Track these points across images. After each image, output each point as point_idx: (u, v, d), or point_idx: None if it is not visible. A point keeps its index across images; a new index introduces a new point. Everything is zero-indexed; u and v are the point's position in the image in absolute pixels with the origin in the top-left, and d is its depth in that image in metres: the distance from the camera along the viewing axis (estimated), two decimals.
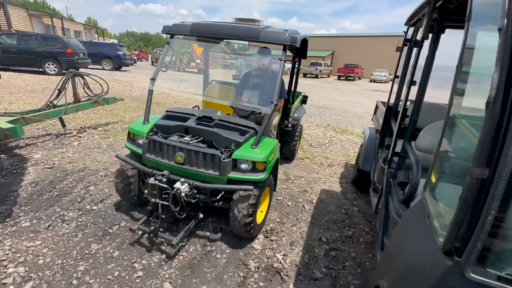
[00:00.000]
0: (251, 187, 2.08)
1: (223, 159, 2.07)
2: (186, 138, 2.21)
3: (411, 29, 2.52)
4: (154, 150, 2.24)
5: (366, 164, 3.28)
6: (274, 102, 2.32)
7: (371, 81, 27.01)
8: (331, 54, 36.62)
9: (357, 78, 27.53)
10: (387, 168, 1.98)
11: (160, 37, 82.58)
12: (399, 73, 2.66)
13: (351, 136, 6.28)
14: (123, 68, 17.41)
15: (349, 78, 26.76)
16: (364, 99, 13.55)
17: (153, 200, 2.04)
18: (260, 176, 2.11)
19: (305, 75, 26.00)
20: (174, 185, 2.01)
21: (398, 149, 1.93)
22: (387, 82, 26.44)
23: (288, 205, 3.10)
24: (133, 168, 2.34)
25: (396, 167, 1.96)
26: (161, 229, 2.15)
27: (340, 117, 8.33)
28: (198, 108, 3.34)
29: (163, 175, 2.07)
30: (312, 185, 3.65)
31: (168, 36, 2.71)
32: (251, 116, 3.04)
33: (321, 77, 27.40)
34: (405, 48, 2.51)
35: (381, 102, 3.88)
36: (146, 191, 2.38)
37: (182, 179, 2.07)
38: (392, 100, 2.78)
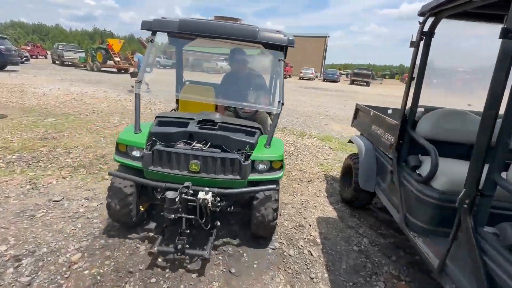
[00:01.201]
0: (275, 185, 2.09)
1: (243, 162, 2.02)
2: (198, 145, 2.07)
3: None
4: (160, 161, 2.03)
5: (369, 184, 2.74)
6: (282, 102, 2.30)
7: (300, 78, 28.55)
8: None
9: (288, 76, 28.69)
10: (470, 215, 1.36)
11: (61, 29, 69.12)
12: (413, 73, 2.16)
13: (313, 140, 5.88)
14: (8, 68, 13.27)
15: None
16: (303, 97, 13.80)
17: (173, 216, 1.88)
18: (279, 174, 2.16)
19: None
20: (198, 196, 1.89)
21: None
22: (314, 79, 28.47)
23: (290, 255, 2.27)
24: (131, 185, 2.10)
25: (479, 211, 1.37)
26: (187, 245, 1.95)
27: (292, 118, 7.96)
28: (175, 111, 3.17)
29: (186, 187, 1.91)
30: (304, 214, 2.92)
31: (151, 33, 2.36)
32: (246, 116, 2.99)
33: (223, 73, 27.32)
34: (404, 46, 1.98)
35: (365, 105, 3.44)
36: (142, 208, 2.30)
37: (206, 188, 1.94)
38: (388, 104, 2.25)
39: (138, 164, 2.05)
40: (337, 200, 3.32)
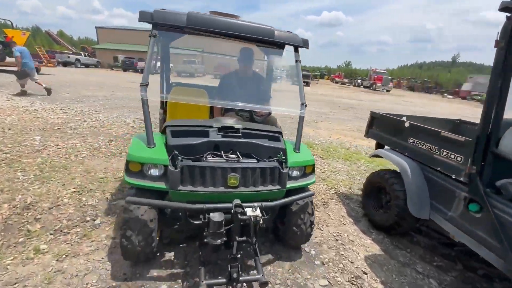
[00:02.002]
0: (313, 192, 2.05)
1: (282, 170, 1.89)
2: (232, 156, 1.88)
3: None
4: (191, 179, 1.74)
5: (423, 210, 2.29)
6: (305, 104, 2.24)
7: None
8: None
9: None
10: None
11: None
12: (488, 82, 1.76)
13: None
14: None
15: None
16: None
17: (219, 241, 1.62)
18: (312, 179, 2.12)
19: (143, 72, 23.54)
20: (248, 214, 1.65)
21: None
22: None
23: None
24: (151, 210, 1.75)
25: None
26: (240, 272, 1.68)
27: None
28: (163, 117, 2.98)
29: (239, 206, 1.66)
30: (349, 257, 2.30)
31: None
32: (260, 120, 2.78)
33: (197, 76, 25.95)
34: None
35: (383, 113, 3.03)
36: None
37: (256, 204, 1.73)
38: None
39: (160, 185, 1.74)
40: (366, 226, 2.82)
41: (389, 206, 2.67)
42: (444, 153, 2.15)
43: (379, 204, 2.85)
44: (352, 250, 2.41)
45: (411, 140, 2.53)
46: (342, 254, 2.33)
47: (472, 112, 16.74)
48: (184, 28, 2.09)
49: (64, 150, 3.92)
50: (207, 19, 2.05)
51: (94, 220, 2.42)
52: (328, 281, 2.00)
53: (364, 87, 34.68)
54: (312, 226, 2.15)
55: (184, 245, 2.21)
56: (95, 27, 38.38)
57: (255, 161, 1.90)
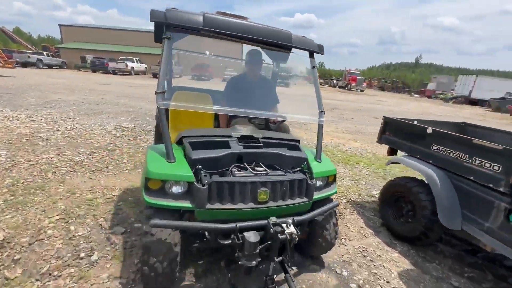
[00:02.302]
0: (338, 202, 2.01)
1: (310, 181, 1.82)
2: (259, 168, 1.76)
3: None
4: (218, 196, 1.61)
5: (455, 221, 2.19)
6: (323, 111, 2.21)
7: (223, 80, 27.82)
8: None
9: None
10: None
11: None
12: None
13: None
14: None
15: (203, 78, 26.16)
16: None
17: (254, 263, 1.53)
18: (335, 188, 2.08)
19: (115, 73, 22.94)
20: (286, 231, 1.55)
21: None
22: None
23: None
24: (174, 231, 1.58)
25: None
26: None
27: None
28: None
29: (278, 225, 1.57)
30: (382, 275, 2.14)
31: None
32: (275, 128, 2.66)
33: (174, 77, 25.08)
34: None
35: (399, 119, 2.93)
36: None
37: (289, 220, 1.63)
38: None
39: (185, 203, 1.59)
40: (388, 237, 2.70)
41: (412, 215, 2.57)
42: (477, 162, 2.07)
43: (398, 213, 2.75)
44: (383, 266, 2.26)
45: (435, 147, 2.44)
46: (375, 273, 2.17)
47: (440, 111, 17.89)
48: (201, 30, 1.93)
49: (38, 167, 3.37)
50: (225, 21, 1.94)
51: (90, 255, 2.01)
52: None
53: (339, 87, 35.77)
54: (337, 237, 2.09)
55: (201, 262, 2.02)
56: (59, 25, 35.42)
57: (282, 173, 1.81)
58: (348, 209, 3.19)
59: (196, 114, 2.56)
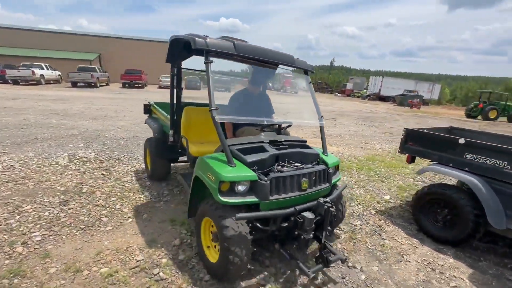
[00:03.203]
0: (346, 184, 3.17)
1: (329, 171, 2.34)
2: (297, 164, 2.20)
3: None
4: (276, 188, 2.01)
5: (502, 222, 2.46)
6: (323, 116, 2.82)
7: (160, 87, 25.64)
8: (98, 57, 29.95)
9: (144, 85, 24.93)
10: None
11: None
12: None
13: None
14: None
15: (136, 85, 23.50)
16: None
17: (311, 235, 2.01)
18: (340, 175, 2.67)
19: (16, 83, 18.47)
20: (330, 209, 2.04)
21: None
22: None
23: None
24: (245, 223, 1.91)
25: None
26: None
27: None
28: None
29: (329, 202, 2.07)
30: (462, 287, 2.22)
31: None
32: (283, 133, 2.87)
33: (100, 85, 21.83)
34: None
35: (425, 131, 3.15)
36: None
37: (329, 199, 2.14)
38: None
39: (251, 199, 1.92)
40: (433, 244, 2.85)
41: (450, 220, 2.80)
42: None
43: (434, 218, 2.95)
44: (454, 276, 2.37)
45: (469, 156, 2.70)
46: (455, 286, 2.24)
47: (365, 107, 20.80)
48: (234, 56, 2.33)
49: None
50: (250, 47, 2.39)
51: None
52: None
53: (275, 90, 37.73)
54: (345, 211, 2.70)
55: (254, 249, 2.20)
56: None
57: (311, 166, 2.25)
58: (382, 221, 3.26)
59: (204, 126, 3.03)
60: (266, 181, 1.91)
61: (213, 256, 2.08)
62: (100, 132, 6.42)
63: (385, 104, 27.56)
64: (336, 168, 2.61)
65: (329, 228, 2.15)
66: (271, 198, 1.94)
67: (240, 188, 1.91)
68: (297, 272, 2.23)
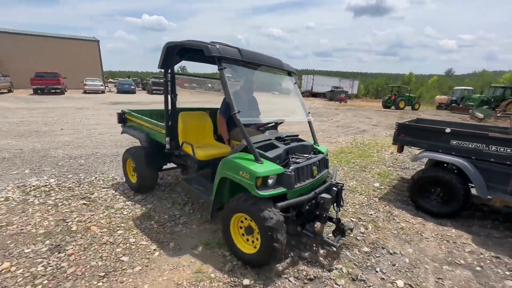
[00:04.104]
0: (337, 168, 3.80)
1: (327, 158, 2.82)
2: (306, 155, 2.59)
3: None
4: (298, 177, 2.30)
5: (486, 192, 3.06)
6: (309, 112, 3.16)
7: (85, 92, 22.07)
8: None
9: (64, 90, 21.01)
10: None
11: None
12: None
13: None
14: None
15: (54, 91, 19.61)
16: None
17: (329, 212, 2.42)
18: (329, 161, 2.99)
19: None
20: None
21: None
22: (105, 92, 23.40)
23: None
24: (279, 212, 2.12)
25: None
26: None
27: None
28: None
29: (340, 183, 2.66)
30: (476, 252, 2.70)
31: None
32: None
33: (1, 93, 17.51)
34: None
35: (415, 124, 3.63)
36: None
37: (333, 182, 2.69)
38: None
39: (281, 190, 2.15)
40: (434, 219, 3.35)
41: (443, 196, 3.34)
42: (494, 148, 3.00)
43: (430, 198, 3.47)
44: (464, 243, 2.84)
45: (454, 142, 3.27)
46: (470, 251, 2.70)
47: (309, 103, 22.56)
48: (239, 61, 2.57)
49: None
50: (252, 53, 2.67)
51: None
52: None
53: (215, 90, 37.28)
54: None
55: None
56: None
57: (314, 155, 2.65)
58: (387, 207, 3.64)
59: (199, 128, 3.25)
60: (291, 172, 2.18)
61: (248, 248, 2.26)
62: (44, 152, 5.17)
63: (318, 100, 30.43)
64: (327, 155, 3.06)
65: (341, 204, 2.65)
66: (295, 186, 2.23)
67: (270, 181, 2.13)
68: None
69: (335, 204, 2.63)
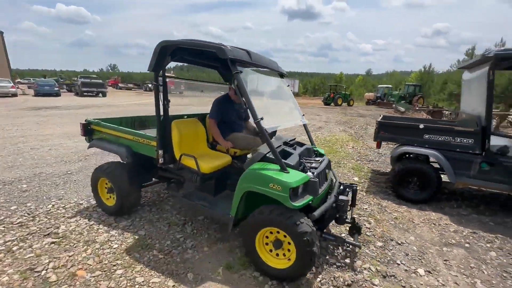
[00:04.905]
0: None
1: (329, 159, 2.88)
2: (317, 159, 2.65)
3: None
4: (319, 182, 2.27)
5: (454, 178, 3.59)
6: (304, 114, 3.22)
7: None
8: None
9: None
10: None
11: None
12: None
13: None
14: None
15: None
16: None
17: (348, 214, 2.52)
18: None
19: None
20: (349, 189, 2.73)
21: None
22: (17, 95, 19.25)
23: None
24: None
25: None
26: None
27: None
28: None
29: (351, 184, 2.81)
30: (456, 229, 3.13)
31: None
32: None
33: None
34: None
35: (393, 122, 3.98)
36: None
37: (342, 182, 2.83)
38: None
39: (309, 198, 2.08)
40: (415, 206, 3.76)
41: (420, 185, 3.79)
42: (458, 140, 3.53)
43: (409, 187, 3.89)
44: (446, 224, 3.27)
45: (426, 136, 3.72)
46: (455, 230, 3.12)
47: None
48: (248, 63, 2.46)
49: None
50: (258, 56, 2.61)
51: None
52: None
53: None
54: None
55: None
56: None
57: (322, 158, 2.73)
58: (375, 199, 3.92)
59: (193, 136, 3.01)
60: (315, 179, 2.15)
61: (280, 263, 2.12)
62: None
63: None
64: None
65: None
66: (319, 192, 2.19)
67: (299, 190, 2.06)
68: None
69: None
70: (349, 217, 2.55)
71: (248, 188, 2.12)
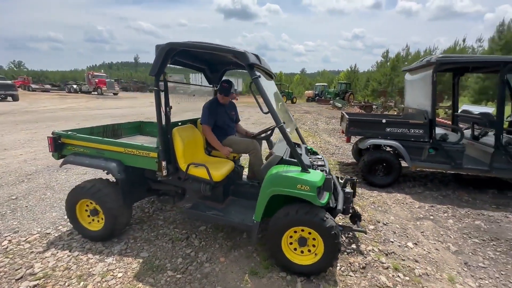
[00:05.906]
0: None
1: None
2: (318, 157, 3.10)
3: None
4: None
5: (410, 163, 4.29)
6: (293, 115, 3.84)
7: None
8: None
9: None
10: None
11: None
12: None
13: None
14: None
15: None
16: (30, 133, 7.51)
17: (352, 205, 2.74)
18: None
19: None
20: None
21: None
22: None
23: None
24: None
25: None
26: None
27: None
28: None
29: (352, 177, 3.12)
30: (423, 206, 3.76)
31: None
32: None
33: None
34: None
35: (361, 118, 4.48)
36: None
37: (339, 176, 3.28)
38: None
39: (328, 194, 2.20)
40: (383, 190, 4.34)
41: (384, 171, 4.41)
42: (412, 131, 4.22)
43: (376, 173, 4.47)
44: (411, 202, 3.89)
45: (388, 129, 4.33)
46: (421, 206, 3.74)
47: None
48: (259, 67, 2.41)
49: None
50: (263, 59, 2.61)
51: None
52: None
53: (84, 92, 30.48)
54: None
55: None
56: None
57: (319, 155, 3.15)
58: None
59: (194, 142, 2.91)
60: (330, 176, 2.30)
61: (307, 259, 2.23)
62: None
63: None
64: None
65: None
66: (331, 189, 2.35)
67: (321, 188, 2.19)
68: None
69: None
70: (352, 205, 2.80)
71: (275, 192, 2.14)
